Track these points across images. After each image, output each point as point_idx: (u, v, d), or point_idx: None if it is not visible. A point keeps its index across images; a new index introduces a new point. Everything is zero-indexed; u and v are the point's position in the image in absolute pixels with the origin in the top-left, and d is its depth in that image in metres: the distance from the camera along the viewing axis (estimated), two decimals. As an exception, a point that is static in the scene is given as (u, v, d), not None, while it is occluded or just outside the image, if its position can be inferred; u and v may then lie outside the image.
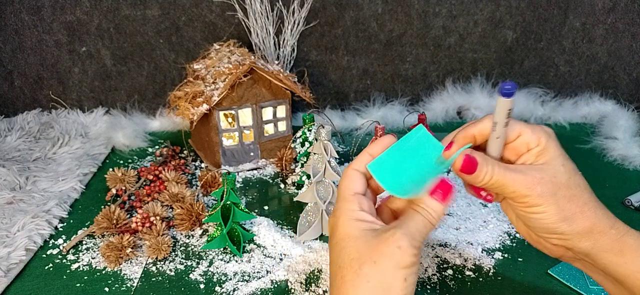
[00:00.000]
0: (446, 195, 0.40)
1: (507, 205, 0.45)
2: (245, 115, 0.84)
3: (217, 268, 0.61)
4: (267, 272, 0.60)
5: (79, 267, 0.62)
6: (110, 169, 0.79)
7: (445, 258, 0.63)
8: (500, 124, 0.40)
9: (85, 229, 0.69)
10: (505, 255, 0.63)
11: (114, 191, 0.77)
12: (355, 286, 0.36)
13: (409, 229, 0.38)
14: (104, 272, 0.61)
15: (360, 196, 0.41)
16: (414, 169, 0.42)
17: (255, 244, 0.66)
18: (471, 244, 0.65)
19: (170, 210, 0.73)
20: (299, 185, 0.80)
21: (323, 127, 0.65)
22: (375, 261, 0.36)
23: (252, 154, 0.87)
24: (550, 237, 0.40)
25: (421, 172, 0.42)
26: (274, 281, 0.59)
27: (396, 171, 0.42)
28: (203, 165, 0.88)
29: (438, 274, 0.60)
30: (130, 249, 0.62)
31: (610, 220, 0.39)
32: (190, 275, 0.60)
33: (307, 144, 0.80)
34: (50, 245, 0.66)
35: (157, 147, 0.95)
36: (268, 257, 0.63)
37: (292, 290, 0.57)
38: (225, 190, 0.63)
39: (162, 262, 0.62)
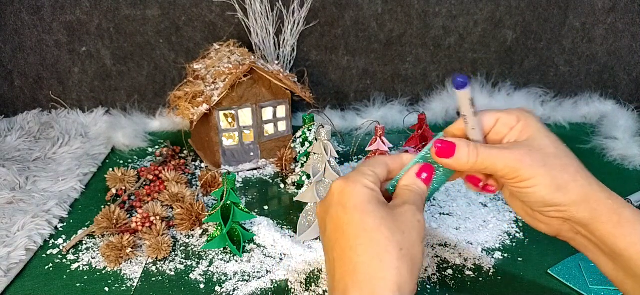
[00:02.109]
0: (429, 176, 0.43)
1: (504, 189, 0.45)
2: (245, 115, 0.84)
3: (217, 268, 0.61)
4: (267, 272, 0.61)
5: (79, 267, 0.62)
6: (110, 169, 0.79)
7: (445, 258, 0.63)
8: (468, 115, 0.40)
9: (85, 229, 0.69)
10: (505, 255, 0.63)
11: (114, 191, 0.77)
12: (390, 251, 0.36)
13: (418, 205, 0.40)
14: (104, 272, 0.61)
15: (375, 174, 0.41)
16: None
17: (255, 244, 0.66)
18: (471, 243, 0.65)
19: (170, 210, 0.73)
20: (299, 185, 0.80)
21: (323, 127, 0.65)
22: (403, 232, 0.37)
23: (252, 154, 0.87)
24: (547, 209, 0.40)
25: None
26: (274, 281, 0.59)
27: None
28: (203, 165, 0.88)
29: (438, 274, 0.60)
30: (130, 249, 0.62)
31: (605, 191, 0.39)
32: (190, 275, 0.60)
33: (307, 144, 0.81)
34: (50, 245, 0.66)
35: (157, 147, 0.95)
36: (268, 257, 0.63)
37: (292, 290, 0.57)
38: (225, 190, 0.63)
39: (162, 262, 0.62)
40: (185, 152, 0.93)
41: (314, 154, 0.66)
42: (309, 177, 0.74)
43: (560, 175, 0.38)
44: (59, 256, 0.64)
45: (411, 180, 0.42)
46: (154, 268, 0.61)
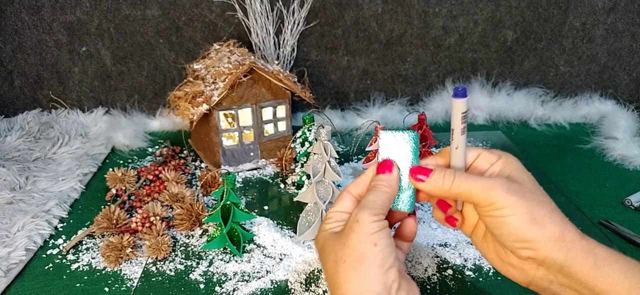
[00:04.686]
0: (384, 167, 0.44)
1: (475, 233, 0.45)
2: (245, 115, 0.84)
3: (217, 268, 0.61)
4: (267, 272, 0.60)
5: (79, 267, 0.62)
6: (110, 169, 0.79)
7: (445, 258, 0.63)
8: (457, 130, 0.40)
9: (85, 229, 0.69)
10: (505, 255, 0.63)
11: (114, 191, 0.77)
12: (337, 271, 0.39)
13: (364, 204, 0.41)
14: (104, 272, 0.61)
15: (339, 213, 0.44)
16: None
17: (255, 244, 0.66)
18: (471, 244, 0.65)
19: (170, 210, 0.73)
20: (299, 185, 0.80)
21: (323, 127, 0.65)
22: (344, 244, 0.39)
23: (252, 154, 0.87)
24: (520, 247, 0.39)
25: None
26: (274, 281, 0.59)
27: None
28: (203, 165, 0.88)
29: (438, 274, 0.60)
30: (130, 249, 0.62)
31: (578, 232, 0.38)
32: (190, 275, 0.60)
33: (307, 144, 0.80)
34: (50, 245, 0.66)
35: (157, 147, 0.95)
36: (268, 257, 0.63)
37: (292, 290, 0.57)
38: (225, 190, 0.63)
39: (162, 262, 0.62)
40: (185, 152, 0.93)
41: (314, 154, 0.66)
42: (309, 177, 0.74)
43: (537, 209, 0.38)
44: (59, 256, 0.64)
45: (374, 176, 0.44)
46: (153, 268, 0.61)
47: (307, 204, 0.68)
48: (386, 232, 0.39)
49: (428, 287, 0.58)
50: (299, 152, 0.82)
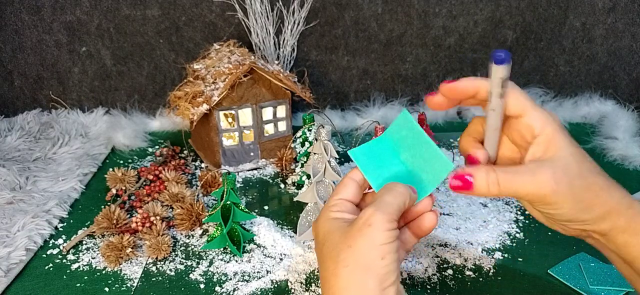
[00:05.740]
0: None
1: None
2: (245, 115, 0.84)
3: (217, 268, 0.61)
4: (267, 272, 0.61)
5: (79, 267, 0.62)
6: (110, 169, 0.79)
7: (445, 258, 0.63)
8: (494, 94, 0.39)
9: (85, 229, 0.69)
10: (505, 255, 0.63)
11: (114, 191, 0.77)
12: (336, 274, 0.36)
13: (381, 206, 0.37)
14: (104, 272, 0.61)
15: (343, 201, 0.41)
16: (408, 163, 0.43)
17: (255, 244, 0.66)
18: (471, 244, 0.65)
19: (170, 210, 0.73)
20: (299, 185, 0.80)
21: (323, 127, 0.65)
22: (350, 246, 0.36)
23: (252, 154, 0.87)
24: (568, 226, 0.40)
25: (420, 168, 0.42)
26: (274, 281, 0.59)
27: (379, 163, 0.43)
28: (203, 165, 0.88)
29: (438, 274, 0.60)
30: (130, 249, 0.62)
31: (626, 201, 0.39)
32: (190, 275, 0.60)
33: (307, 144, 0.80)
34: (50, 245, 0.66)
35: (157, 147, 0.95)
36: (268, 257, 0.63)
37: (292, 290, 0.57)
38: (225, 190, 0.63)
39: (162, 262, 0.62)
40: (185, 152, 0.93)
41: (314, 154, 0.66)
42: (309, 177, 0.74)
43: (585, 195, 0.38)
44: (59, 256, 0.64)
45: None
46: (154, 268, 0.61)
47: (307, 204, 0.68)
48: (396, 246, 0.37)
49: (428, 287, 0.58)
50: (299, 152, 0.82)
